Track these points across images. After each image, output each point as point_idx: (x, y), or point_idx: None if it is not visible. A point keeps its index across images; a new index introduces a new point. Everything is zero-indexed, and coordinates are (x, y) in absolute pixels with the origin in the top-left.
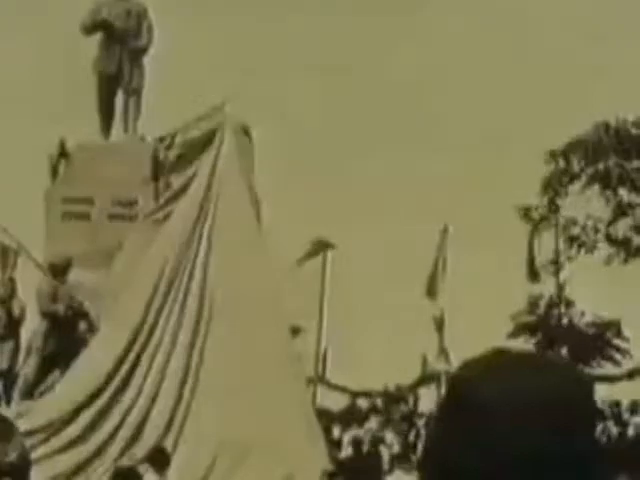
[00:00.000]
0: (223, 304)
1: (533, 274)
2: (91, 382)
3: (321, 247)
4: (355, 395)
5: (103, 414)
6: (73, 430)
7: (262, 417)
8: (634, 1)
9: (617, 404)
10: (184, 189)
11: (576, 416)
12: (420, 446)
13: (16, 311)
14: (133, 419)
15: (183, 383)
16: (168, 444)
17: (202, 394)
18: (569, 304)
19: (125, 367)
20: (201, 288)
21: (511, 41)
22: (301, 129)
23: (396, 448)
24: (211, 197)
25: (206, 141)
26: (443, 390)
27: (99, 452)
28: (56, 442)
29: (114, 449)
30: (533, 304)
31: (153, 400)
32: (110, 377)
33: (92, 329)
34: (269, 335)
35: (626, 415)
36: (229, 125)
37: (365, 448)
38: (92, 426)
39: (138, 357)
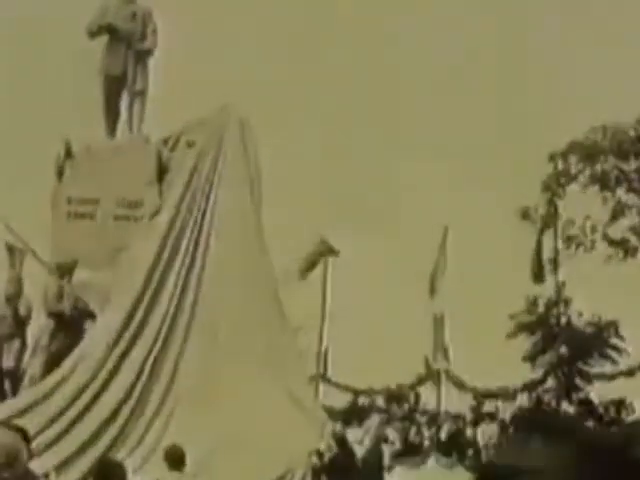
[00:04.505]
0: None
1: (538, 275)
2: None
3: (324, 250)
4: (357, 393)
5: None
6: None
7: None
8: (632, 4)
9: (614, 402)
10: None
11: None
12: (422, 443)
13: (22, 310)
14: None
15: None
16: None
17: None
18: (568, 303)
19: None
20: (198, 279)
21: (511, 43)
22: (303, 131)
23: (397, 446)
24: (211, 192)
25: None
26: (443, 388)
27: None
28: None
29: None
30: (532, 303)
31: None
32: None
33: None
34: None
35: (623, 413)
36: (232, 122)
37: (366, 445)
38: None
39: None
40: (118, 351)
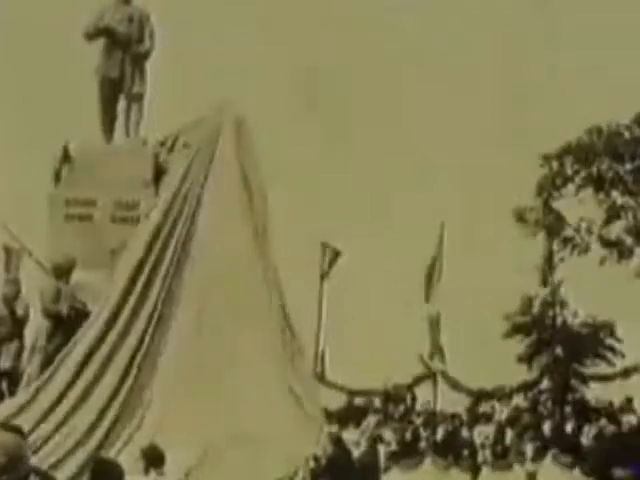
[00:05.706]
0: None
1: (545, 280)
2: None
3: (329, 253)
4: (353, 394)
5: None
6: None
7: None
8: (629, 7)
9: (611, 403)
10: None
11: None
12: (418, 444)
13: (20, 311)
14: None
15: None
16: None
17: (186, 383)
18: (563, 305)
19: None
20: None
21: (509, 45)
22: (301, 132)
23: (393, 446)
24: (203, 192)
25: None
26: (439, 389)
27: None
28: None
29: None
30: (527, 304)
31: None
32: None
33: None
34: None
35: (620, 414)
36: (228, 122)
37: (363, 446)
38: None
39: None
40: (106, 347)
